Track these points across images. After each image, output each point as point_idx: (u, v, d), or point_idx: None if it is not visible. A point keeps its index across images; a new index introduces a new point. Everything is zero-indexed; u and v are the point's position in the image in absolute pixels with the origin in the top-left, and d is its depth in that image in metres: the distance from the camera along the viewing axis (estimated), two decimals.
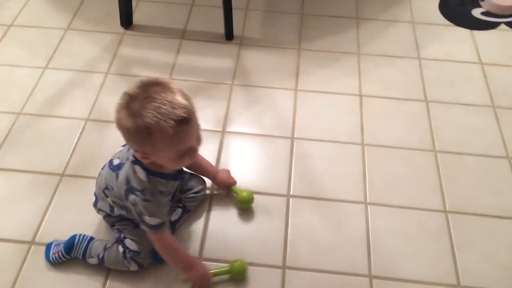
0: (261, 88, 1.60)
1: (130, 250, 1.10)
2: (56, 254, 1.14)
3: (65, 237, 1.17)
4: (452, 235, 1.23)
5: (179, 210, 1.21)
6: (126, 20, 1.76)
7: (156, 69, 1.64)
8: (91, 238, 1.16)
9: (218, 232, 1.23)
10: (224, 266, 1.13)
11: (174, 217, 1.20)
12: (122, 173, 1.03)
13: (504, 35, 1.81)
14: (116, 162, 1.07)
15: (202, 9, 1.87)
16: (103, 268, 1.14)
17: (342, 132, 1.47)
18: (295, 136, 1.45)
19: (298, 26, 1.82)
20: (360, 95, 1.58)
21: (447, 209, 1.28)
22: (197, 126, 0.97)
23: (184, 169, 1.16)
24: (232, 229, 1.23)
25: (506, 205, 1.29)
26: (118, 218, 1.14)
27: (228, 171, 1.30)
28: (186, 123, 0.90)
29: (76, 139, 1.41)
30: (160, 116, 0.88)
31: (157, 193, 1.02)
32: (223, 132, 1.46)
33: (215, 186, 1.30)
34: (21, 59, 1.65)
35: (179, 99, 0.91)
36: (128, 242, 1.11)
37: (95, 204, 1.17)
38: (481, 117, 1.52)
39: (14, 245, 1.18)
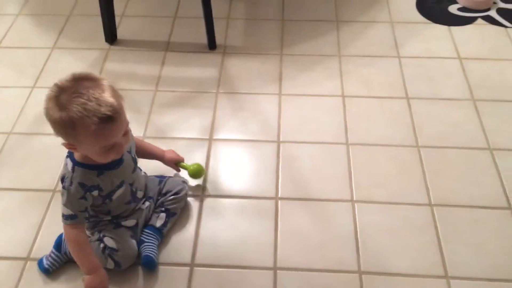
0: (246, 94, 1.63)
1: (108, 247, 1.13)
2: (49, 258, 1.17)
3: None
4: (438, 228, 1.26)
5: (163, 215, 1.23)
6: (111, 36, 1.80)
7: (142, 81, 1.67)
8: None
9: (210, 237, 1.25)
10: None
11: (159, 223, 1.22)
12: (66, 163, 1.08)
13: (481, 29, 1.85)
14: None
15: (184, 21, 1.91)
16: None
17: (327, 133, 1.50)
18: (281, 139, 1.48)
19: (279, 32, 1.86)
20: (343, 96, 1.61)
21: (432, 202, 1.31)
22: (123, 123, 1.00)
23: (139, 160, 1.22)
24: (223, 234, 1.26)
25: (489, 195, 1.33)
26: (94, 222, 1.17)
27: (173, 151, 1.34)
28: (110, 121, 0.94)
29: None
30: (84, 112, 0.91)
31: (76, 184, 1.04)
32: (210, 140, 1.49)
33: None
34: (9, 79, 1.68)
35: (107, 96, 0.94)
36: (106, 239, 1.14)
37: None
38: (461, 111, 1.55)
39: (9, 262, 1.20)
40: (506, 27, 1.85)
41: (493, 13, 1.91)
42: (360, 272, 1.18)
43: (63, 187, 1.06)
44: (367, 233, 1.25)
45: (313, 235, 1.26)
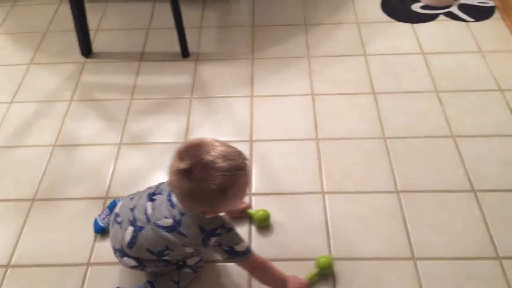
0: (219, 98, 1.68)
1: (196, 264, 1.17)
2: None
3: (40, 260, 1.24)
4: (405, 213, 1.31)
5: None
6: (86, 49, 1.85)
7: (117, 91, 1.72)
8: (150, 283, 1.15)
9: None
10: (312, 270, 1.18)
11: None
12: (189, 227, 1.02)
13: (443, 25, 1.93)
14: (168, 222, 1.04)
15: (158, 32, 1.97)
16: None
17: (297, 130, 1.56)
18: (254, 138, 1.54)
19: (250, 38, 1.93)
20: (312, 95, 1.67)
21: (399, 189, 1.37)
22: None
23: None
24: None
25: (452, 179, 1.38)
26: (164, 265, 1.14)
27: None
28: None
29: (45, 165, 1.48)
30: (228, 173, 0.93)
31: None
32: None
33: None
34: None
35: (225, 147, 0.96)
36: (191, 261, 1.17)
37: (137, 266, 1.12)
38: (425, 102, 1.62)
39: None
40: (467, 21, 1.93)
41: (454, 9, 1.99)
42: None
43: (220, 233, 1.03)
44: (337, 222, 1.30)
45: (286, 226, 1.30)
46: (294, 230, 1.29)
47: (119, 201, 1.24)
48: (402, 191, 1.36)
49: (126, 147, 1.53)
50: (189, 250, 1.08)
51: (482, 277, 1.17)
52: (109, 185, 1.42)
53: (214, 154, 0.93)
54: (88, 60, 1.86)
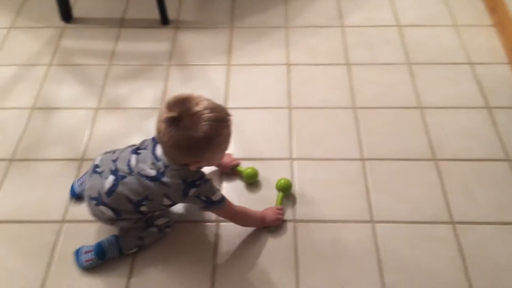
0: (197, 66, 1.71)
1: (163, 224, 1.23)
2: (90, 262, 1.21)
3: (17, 216, 1.30)
4: (368, 179, 1.37)
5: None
6: (66, 14, 1.86)
7: (96, 57, 1.74)
8: (115, 237, 1.22)
9: None
10: (278, 195, 1.32)
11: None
12: (172, 177, 1.08)
13: None
14: (152, 173, 1.09)
15: None
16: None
17: (271, 99, 1.60)
18: (229, 106, 1.58)
19: (230, 6, 1.94)
20: (288, 64, 1.71)
21: (364, 157, 1.43)
22: None
23: None
24: None
25: (415, 148, 1.44)
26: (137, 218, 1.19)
27: (229, 155, 1.40)
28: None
29: (24, 127, 1.51)
30: (214, 123, 1.00)
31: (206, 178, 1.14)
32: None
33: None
34: None
35: (210, 102, 1.03)
36: (160, 221, 1.23)
37: (110, 218, 1.17)
38: (397, 74, 1.66)
39: None
40: None
41: None
42: (295, 221, 1.29)
43: (199, 184, 1.10)
44: (304, 186, 1.36)
45: (254, 191, 1.36)
46: (263, 194, 1.35)
47: None
48: (367, 159, 1.42)
49: (104, 111, 1.56)
50: (167, 202, 1.14)
51: (436, 239, 1.25)
52: (86, 147, 1.46)
53: (201, 105, 1.00)
54: (68, 25, 1.87)
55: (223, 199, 1.15)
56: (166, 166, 1.09)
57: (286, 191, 1.33)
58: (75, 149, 1.46)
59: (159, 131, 1.03)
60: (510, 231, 1.26)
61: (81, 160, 1.43)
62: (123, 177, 1.11)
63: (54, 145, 1.47)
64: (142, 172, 1.10)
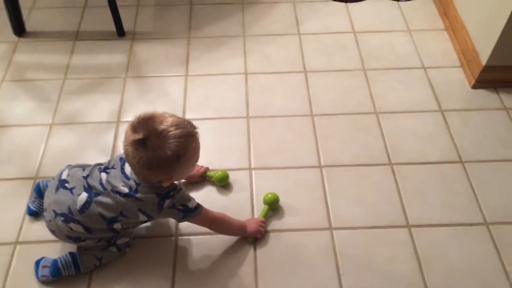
0: (153, 77, 1.70)
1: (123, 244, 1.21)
2: (45, 278, 1.18)
3: None
4: (326, 186, 1.39)
5: None
6: (18, 28, 1.82)
7: (50, 71, 1.71)
8: (73, 254, 1.19)
9: None
10: (264, 208, 1.32)
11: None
12: (146, 193, 1.08)
13: (376, 3, 1.99)
14: (125, 190, 1.08)
15: (94, 10, 1.95)
16: None
17: (229, 108, 1.60)
18: (187, 117, 1.56)
19: (187, 17, 1.94)
20: (246, 73, 1.71)
21: (322, 164, 1.44)
22: None
23: None
24: None
25: (371, 154, 1.46)
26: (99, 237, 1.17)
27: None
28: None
29: None
30: (181, 140, 1.02)
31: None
32: (118, 122, 1.55)
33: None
34: None
35: (175, 118, 1.04)
36: (120, 241, 1.20)
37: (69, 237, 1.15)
38: (353, 80, 1.68)
39: None
40: (398, 0, 2.00)
41: None
42: None
43: (173, 195, 1.10)
44: (262, 196, 1.36)
45: (215, 200, 1.35)
46: (223, 204, 1.34)
47: (43, 182, 1.27)
48: (325, 166, 1.44)
49: (58, 127, 1.53)
50: (142, 217, 1.13)
51: (392, 243, 1.26)
52: (39, 165, 1.43)
53: (166, 123, 1.01)
54: (21, 39, 1.83)
55: (199, 205, 1.16)
56: (137, 184, 1.08)
57: (272, 206, 1.33)
58: (29, 168, 1.42)
59: (127, 154, 1.03)
60: (463, 232, 1.29)
61: (35, 178, 1.39)
62: (97, 194, 1.10)
63: (6, 164, 1.43)
64: (115, 189, 1.09)
